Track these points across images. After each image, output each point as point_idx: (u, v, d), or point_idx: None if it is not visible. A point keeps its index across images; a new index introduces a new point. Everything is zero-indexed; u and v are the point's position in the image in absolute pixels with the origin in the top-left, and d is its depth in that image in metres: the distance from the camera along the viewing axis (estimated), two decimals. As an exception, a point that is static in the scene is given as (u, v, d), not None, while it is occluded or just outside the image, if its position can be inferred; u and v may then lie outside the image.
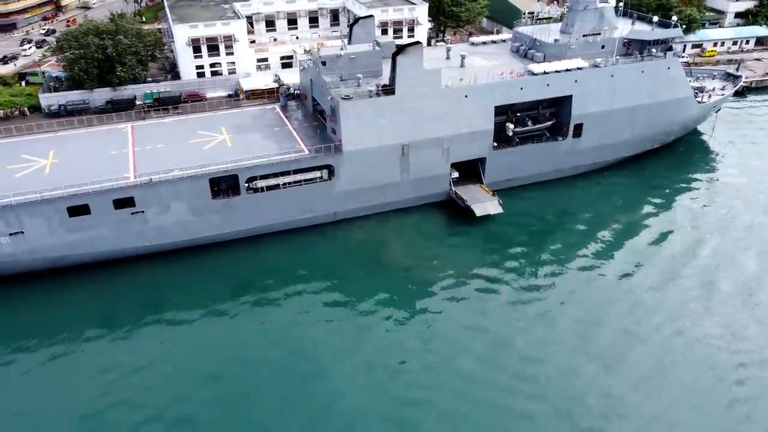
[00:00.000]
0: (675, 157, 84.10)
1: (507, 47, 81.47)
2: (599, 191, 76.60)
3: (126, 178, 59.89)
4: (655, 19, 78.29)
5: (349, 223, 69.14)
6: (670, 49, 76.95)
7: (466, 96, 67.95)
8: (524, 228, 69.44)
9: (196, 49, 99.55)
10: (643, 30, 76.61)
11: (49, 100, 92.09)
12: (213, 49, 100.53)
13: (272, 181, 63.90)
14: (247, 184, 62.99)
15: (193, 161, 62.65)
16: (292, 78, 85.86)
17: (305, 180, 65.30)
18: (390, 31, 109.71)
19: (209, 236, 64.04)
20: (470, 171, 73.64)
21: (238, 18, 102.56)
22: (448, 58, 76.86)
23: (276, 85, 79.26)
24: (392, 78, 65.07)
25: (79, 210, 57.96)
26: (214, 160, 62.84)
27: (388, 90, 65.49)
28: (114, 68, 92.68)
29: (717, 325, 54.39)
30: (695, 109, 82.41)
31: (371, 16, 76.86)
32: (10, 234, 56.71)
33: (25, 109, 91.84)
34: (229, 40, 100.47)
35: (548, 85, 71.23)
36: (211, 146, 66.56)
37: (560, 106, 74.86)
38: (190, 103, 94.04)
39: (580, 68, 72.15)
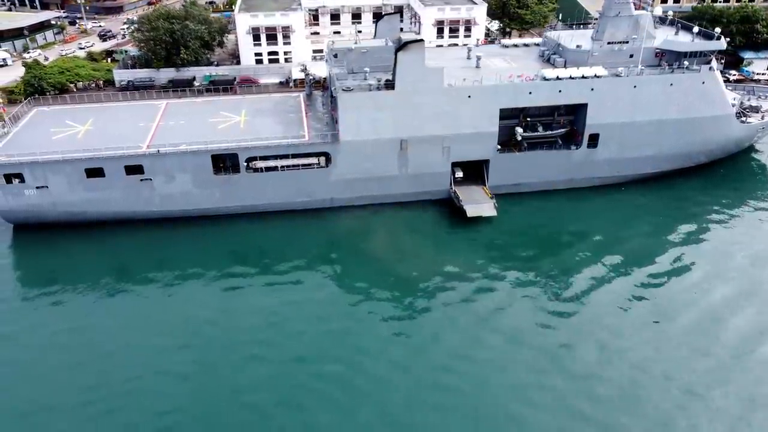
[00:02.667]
0: (711, 179, 78.39)
1: (536, 51, 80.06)
2: (613, 206, 73.22)
3: (139, 148, 66.41)
4: (696, 29, 73.66)
5: (345, 210, 71.72)
6: (709, 62, 72.10)
7: (468, 96, 68.15)
8: (519, 235, 68.32)
9: (256, 38, 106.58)
10: (676, 41, 72.39)
11: (120, 75, 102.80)
12: (271, 38, 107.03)
13: (271, 163, 67.97)
14: (246, 164, 67.52)
15: (203, 137, 67.93)
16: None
17: (303, 165, 68.75)
18: (446, 30, 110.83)
19: (210, 208, 69.37)
20: (476, 172, 73.65)
21: (298, 10, 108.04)
22: (468, 58, 77.05)
23: (303, 75, 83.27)
24: (393, 73, 66.84)
25: (95, 172, 65.25)
26: (222, 138, 67.98)
27: (390, 85, 67.34)
28: (179, 50, 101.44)
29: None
30: (737, 129, 76.53)
31: (397, 12, 78.88)
32: (37, 187, 65.04)
33: (101, 82, 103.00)
34: (287, 30, 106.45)
35: (560, 91, 69.56)
36: (225, 126, 71.76)
37: (577, 114, 72.80)
38: (242, 87, 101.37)
39: (598, 76, 69.76)
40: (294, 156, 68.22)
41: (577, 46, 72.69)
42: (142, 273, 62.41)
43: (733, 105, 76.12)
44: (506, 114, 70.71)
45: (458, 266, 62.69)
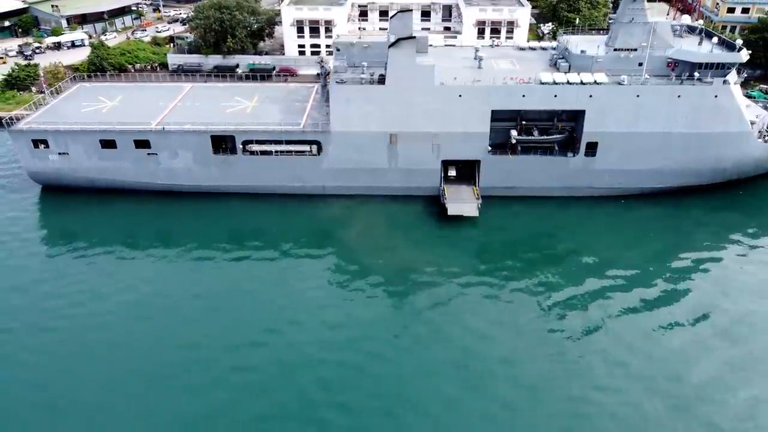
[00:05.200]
0: (725, 201, 73.42)
1: (549, 55, 78.48)
2: (607, 219, 70.64)
3: (149, 124, 72.26)
4: (715, 39, 69.59)
5: (336, 199, 74.09)
6: (725, 75, 67.87)
7: (459, 95, 68.46)
8: (498, 239, 67.95)
9: (300, 30, 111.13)
10: (688, 51, 68.69)
11: (173, 60, 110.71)
12: (314, 31, 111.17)
13: (265, 147, 71.75)
14: (242, 146, 71.66)
15: (210, 119, 72.76)
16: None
17: (296, 151, 72.00)
18: (487, 31, 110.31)
19: (210, 186, 74.18)
20: (470, 172, 73.71)
21: (344, 5, 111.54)
22: (475, 58, 76.85)
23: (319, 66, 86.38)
24: (386, 69, 68.51)
25: (108, 144, 71.82)
26: (228, 121, 72.54)
27: (382, 79, 69.03)
28: (227, 38, 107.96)
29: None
30: (756, 148, 71.44)
31: (410, 10, 79.61)
32: (59, 153, 72.56)
33: (156, 65, 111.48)
34: (329, 24, 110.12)
35: (556, 96, 68.26)
36: (233, 110, 76.32)
37: (578, 121, 71.03)
38: (280, 76, 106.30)
39: (597, 83, 67.82)
40: (287, 142, 71.58)
41: (582, 52, 70.83)
42: (146, 241, 67.94)
43: (752, 123, 71.04)
44: (501, 116, 70.28)
45: (425, 262, 63.35)
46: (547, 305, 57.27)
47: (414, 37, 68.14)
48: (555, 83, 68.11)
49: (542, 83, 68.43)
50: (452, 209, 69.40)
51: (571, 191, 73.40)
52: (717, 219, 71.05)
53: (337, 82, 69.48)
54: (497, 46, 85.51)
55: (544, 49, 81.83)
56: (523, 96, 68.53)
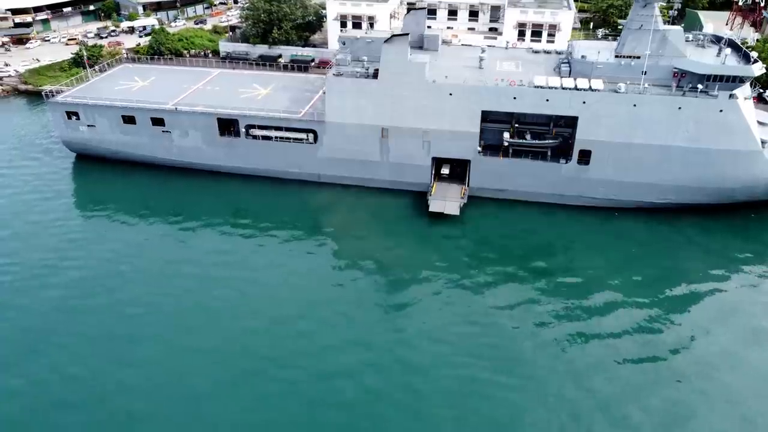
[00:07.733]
0: (732, 223, 68.89)
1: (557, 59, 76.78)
2: (596, 231, 68.34)
3: (166, 104, 78.07)
4: (728, 50, 65.49)
5: (329, 187, 76.77)
6: (733, 89, 63.80)
7: (450, 94, 68.85)
8: (477, 240, 67.76)
9: (343, 24, 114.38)
10: (693, 61, 65.05)
11: (224, 47, 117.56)
12: (357, 26, 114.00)
13: (266, 132, 75.56)
14: (245, 130, 75.86)
15: (220, 102, 77.68)
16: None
17: (294, 138, 75.28)
18: (528, 33, 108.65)
19: (216, 165, 79.08)
20: (464, 172, 73.90)
21: (384, 1, 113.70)
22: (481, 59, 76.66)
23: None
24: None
25: (129, 119, 78.40)
26: (236, 105, 77.08)
27: (377, 74, 70.73)
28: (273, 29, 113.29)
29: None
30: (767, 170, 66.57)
31: (423, 8, 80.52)
32: (88, 125, 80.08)
33: (209, 52, 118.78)
34: (371, 19, 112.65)
35: (547, 100, 67.04)
36: (247, 96, 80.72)
37: (572, 127, 69.35)
38: (320, 68, 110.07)
39: (592, 89, 65.96)
40: (286, 129, 75.00)
41: (582, 57, 68.96)
42: (160, 211, 73.27)
43: (765, 142, 66.18)
44: (494, 117, 70.05)
45: (395, 254, 64.87)
46: (495, 314, 56.45)
47: (407, 35, 69.27)
48: (548, 87, 66.89)
49: (535, 87, 67.42)
50: (434, 206, 70.02)
51: (562, 199, 71.76)
52: (717, 241, 66.97)
53: (334, 74, 71.93)
54: (512, 47, 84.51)
55: (558, 53, 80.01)
56: (515, 98, 67.84)
